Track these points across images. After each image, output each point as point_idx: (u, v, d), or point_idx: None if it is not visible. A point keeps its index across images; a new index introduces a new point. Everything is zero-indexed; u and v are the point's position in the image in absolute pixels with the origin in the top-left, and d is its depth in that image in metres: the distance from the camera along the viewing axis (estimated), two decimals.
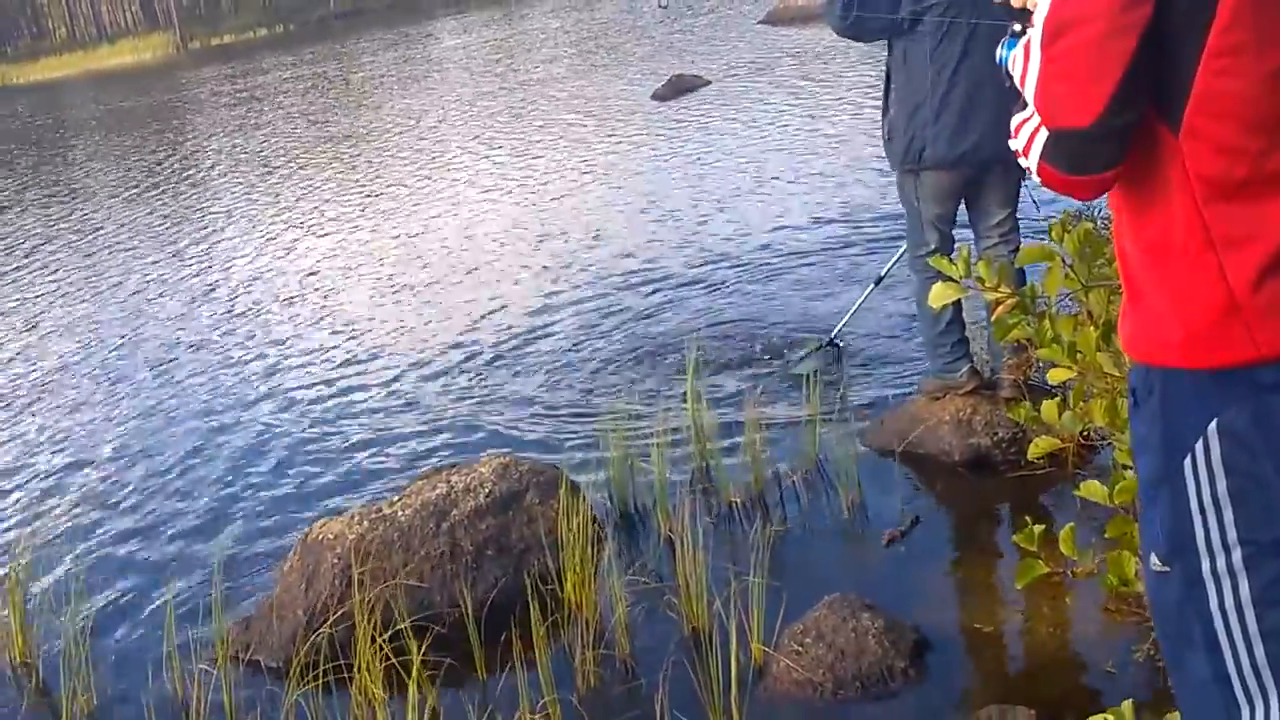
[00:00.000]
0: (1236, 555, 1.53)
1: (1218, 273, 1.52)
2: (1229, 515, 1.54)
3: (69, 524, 5.75)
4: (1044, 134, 1.62)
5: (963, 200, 4.96)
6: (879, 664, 3.66)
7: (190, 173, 16.99)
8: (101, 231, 13.43)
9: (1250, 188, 1.51)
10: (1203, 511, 1.55)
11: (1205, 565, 1.55)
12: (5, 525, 5.87)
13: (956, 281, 2.99)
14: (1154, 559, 1.61)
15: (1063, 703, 3.38)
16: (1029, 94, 1.62)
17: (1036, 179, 1.71)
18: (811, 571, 4.32)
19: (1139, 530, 1.68)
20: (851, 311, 6.16)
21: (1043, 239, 3.29)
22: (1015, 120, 1.70)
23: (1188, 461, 1.55)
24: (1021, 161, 1.71)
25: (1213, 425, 1.54)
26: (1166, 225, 1.57)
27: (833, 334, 6.15)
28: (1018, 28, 1.68)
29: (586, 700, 3.79)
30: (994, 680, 3.65)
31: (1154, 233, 1.59)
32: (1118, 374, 2.87)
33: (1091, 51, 1.53)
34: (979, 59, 4.65)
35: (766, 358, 6.34)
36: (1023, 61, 1.63)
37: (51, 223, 14.65)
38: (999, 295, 3.00)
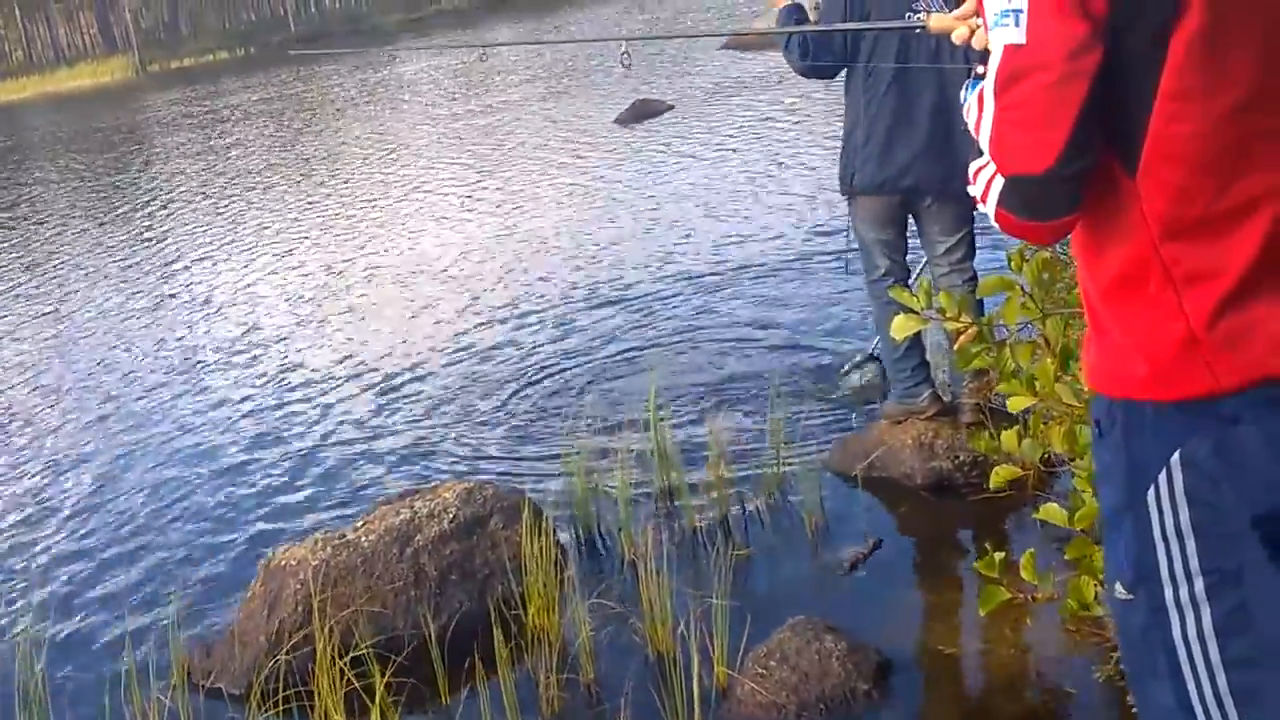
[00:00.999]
0: (1199, 584, 1.55)
1: (1176, 308, 1.54)
2: (1191, 545, 1.56)
3: (23, 550, 5.70)
4: (1000, 181, 1.63)
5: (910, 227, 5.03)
6: (842, 686, 3.67)
7: (151, 194, 16.91)
8: (61, 255, 13.34)
9: (1205, 226, 1.54)
10: (1165, 541, 1.56)
11: (1169, 594, 1.57)
12: None
13: (918, 313, 3.03)
14: (1118, 587, 1.63)
15: None
16: (983, 141, 1.64)
17: (995, 225, 1.73)
18: (775, 595, 4.33)
19: (1104, 558, 1.70)
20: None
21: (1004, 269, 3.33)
22: (973, 167, 1.71)
23: (1151, 492, 1.57)
24: (980, 208, 1.72)
25: (1175, 456, 1.56)
26: (1126, 263, 1.59)
27: (871, 348, 6.14)
28: (980, 69, 1.70)
29: None
30: (956, 702, 3.68)
31: (1114, 270, 1.62)
32: (1076, 403, 2.91)
33: (1043, 98, 1.55)
34: (908, 87, 4.73)
35: (730, 379, 6.36)
36: (976, 109, 1.64)
37: (7, 247, 14.55)
38: (959, 326, 3.04)
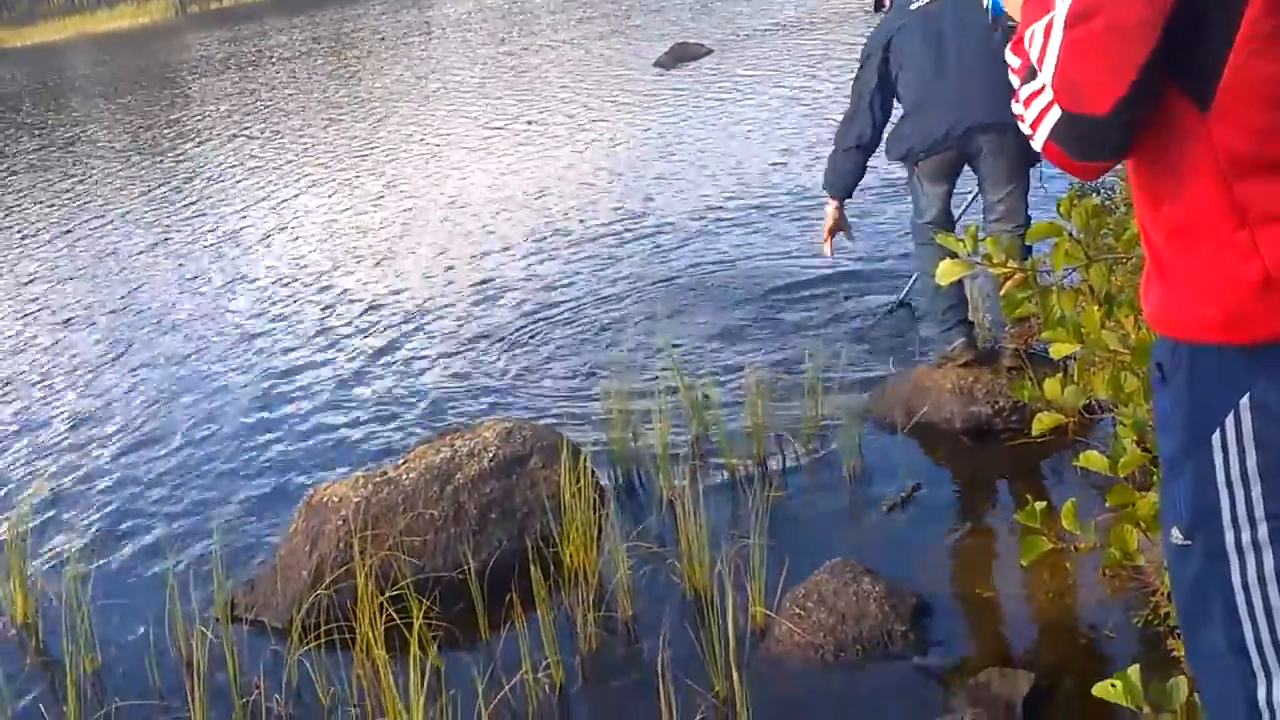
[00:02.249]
0: (1263, 530, 1.54)
1: (1251, 249, 1.51)
2: (1257, 490, 1.54)
3: (69, 486, 5.78)
4: (1055, 113, 1.59)
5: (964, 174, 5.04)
6: (879, 628, 3.69)
7: (190, 135, 16.95)
8: (99, 195, 13.41)
9: None
10: (1230, 486, 1.55)
11: (1230, 538, 1.55)
12: (4, 487, 5.89)
13: (962, 258, 3.00)
14: (1175, 532, 1.62)
15: (1062, 667, 3.42)
16: (1046, 73, 1.59)
17: (1040, 151, 1.69)
18: (812, 537, 4.34)
19: (1160, 503, 1.68)
20: (912, 281, 6.07)
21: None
22: (1025, 90, 1.66)
23: (1216, 436, 1.55)
24: (1025, 130, 1.68)
25: (1244, 400, 1.54)
26: (1195, 203, 1.56)
27: (902, 295, 6.14)
28: (1009, 23, 1.65)
29: (588, 661, 3.83)
30: (993, 644, 3.68)
31: (1181, 211, 1.58)
32: (1121, 349, 2.89)
33: (1117, 38, 1.51)
34: (936, 45, 4.82)
35: (769, 320, 6.36)
36: (1041, 38, 1.59)
37: (48, 185, 14.63)
38: (1005, 271, 3.01)
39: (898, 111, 5.05)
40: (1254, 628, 1.55)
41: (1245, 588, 1.55)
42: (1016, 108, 1.68)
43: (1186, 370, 1.59)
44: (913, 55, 4.86)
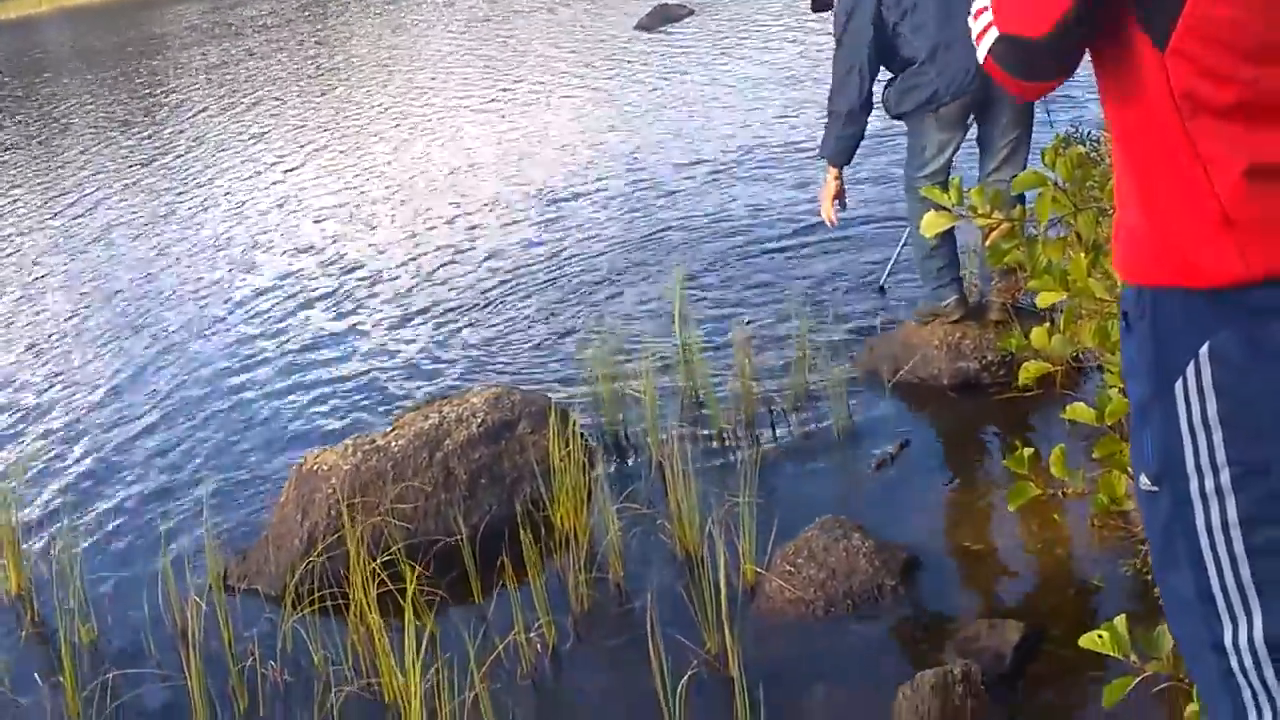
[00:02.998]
0: (1225, 476, 1.54)
1: (1208, 190, 1.51)
2: (1218, 436, 1.55)
3: (60, 457, 5.77)
4: (994, 33, 1.61)
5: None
6: (870, 583, 3.71)
7: (178, 106, 16.85)
8: (88, 167, 13.33)
9: (1240, 110, 1.50)
10: (1193, 433, 1.56)
11: (1194, 485, 1.56)
12: None
13: (949, 210, 3.00)
14: (1144, 479, 1.63)
15: (1052, 617, 3.44)
16: None
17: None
18: (802, 495, 4.36)
19: (1130, 450, 1.69)
20: (894, 259, 5.99)
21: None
22: (976, 4, 1.66)
23: (1179, 384, 1.56)
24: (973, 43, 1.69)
25: (1204, 348, 1.54)
26: (1152, 139, 1.56)
27: (880, 280, 6.03)
28: None
29: (580, 621, 3.85)
30: (983, 597, 3.71)
31: (1140, 147, 1.58)
32: (1108, 298, 2.89)
33: None
34: None
35: (756, 279, 6.35)
36: None
37: (37, 159, 14.55)
38: (990, 221, 3.01)
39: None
40: (1219, 573, 1.56)
41: (1209, 533, 1.56)
42: (970, 22, 1.68)
43: (1150, 318, 1.59)
44: None
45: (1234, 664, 1.54)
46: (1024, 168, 4.82)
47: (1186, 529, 1.57)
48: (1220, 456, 1.54)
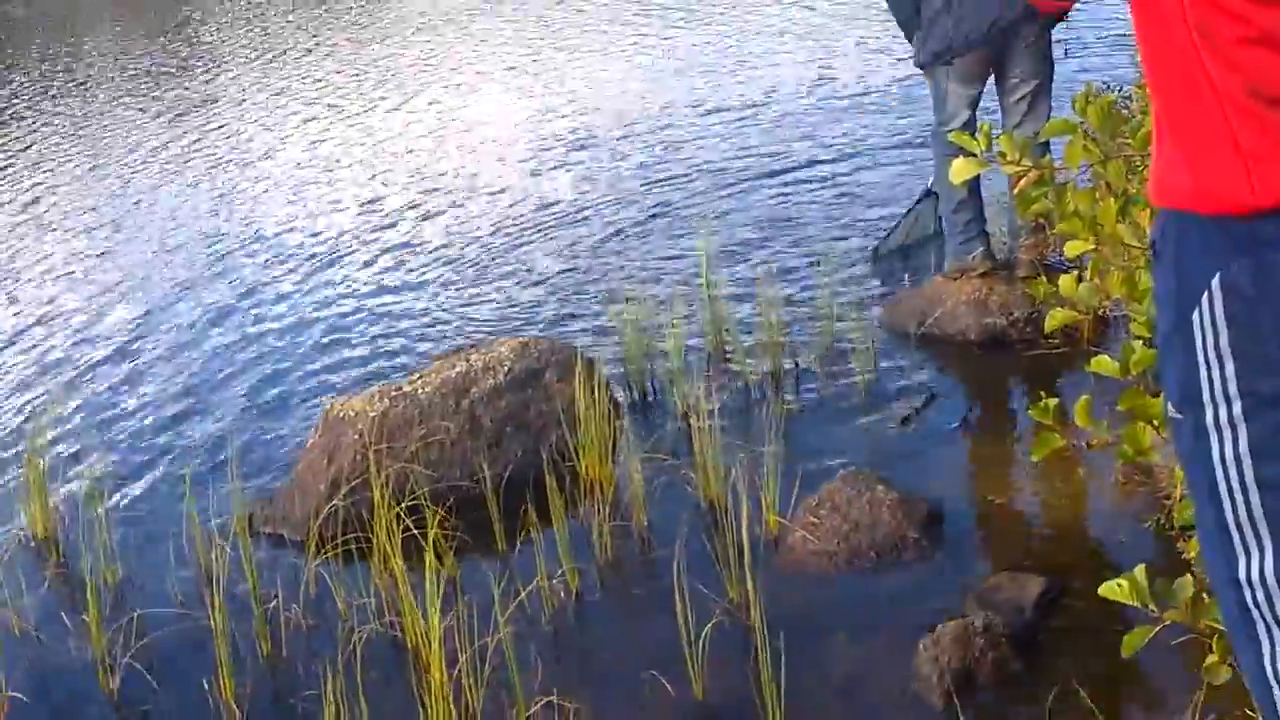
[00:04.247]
0: (1237, 407, 1.55)
1: (1222, 118, 1.51)
2: (1230, 367, 1.55)
3: (87, 399, 5.80)
4: None
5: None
6: (893, 535, 3.71)
7: (193, 59, 16.86)
8: (106, 117, 13.36)
9: (1252, 45, 1.50)
10: (1208, 364, 1.56)
11: (1209, 415, 1.57)
12: (22, 400, 5.92)
13: (977, 157, 2.98)
14: (1170, 407, 1.64)
15: (1073, 571, 3.43)
16: None
17: None
18: (826, 448, 4.36)
19: (1161, 380, 1.70)
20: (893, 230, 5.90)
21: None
22: None
23: (1195, 314, 1.56)
24: None
25: (1216, 279, 1.54)
26: (1175, 68, 1.56)
27: (879, 246, 5.90)
28: None
29: (604, 570, 3.86)
30: (1006, 550, 3.70)
31: (1165, 75, 1.59)
32: (1137, 245, 2.87)
33: None
34: None
35: (783, 231, 6.33)
36: None
37: (64, 113, 14.59)
38: (1019, 169, 2.99)
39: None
40: (1232, 505, 1.56)
41: (1224, 464, 1.56)
42: None
43: (1174, 247, 1.60)
44: None
45: (1248, 597, 1.55)
46: (1046, 120, 4.79)
47: (1204, 459, 1.58)
48: (1233, 388, 1.55)
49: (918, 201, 5.82)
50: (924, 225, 5.76)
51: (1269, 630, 1.54)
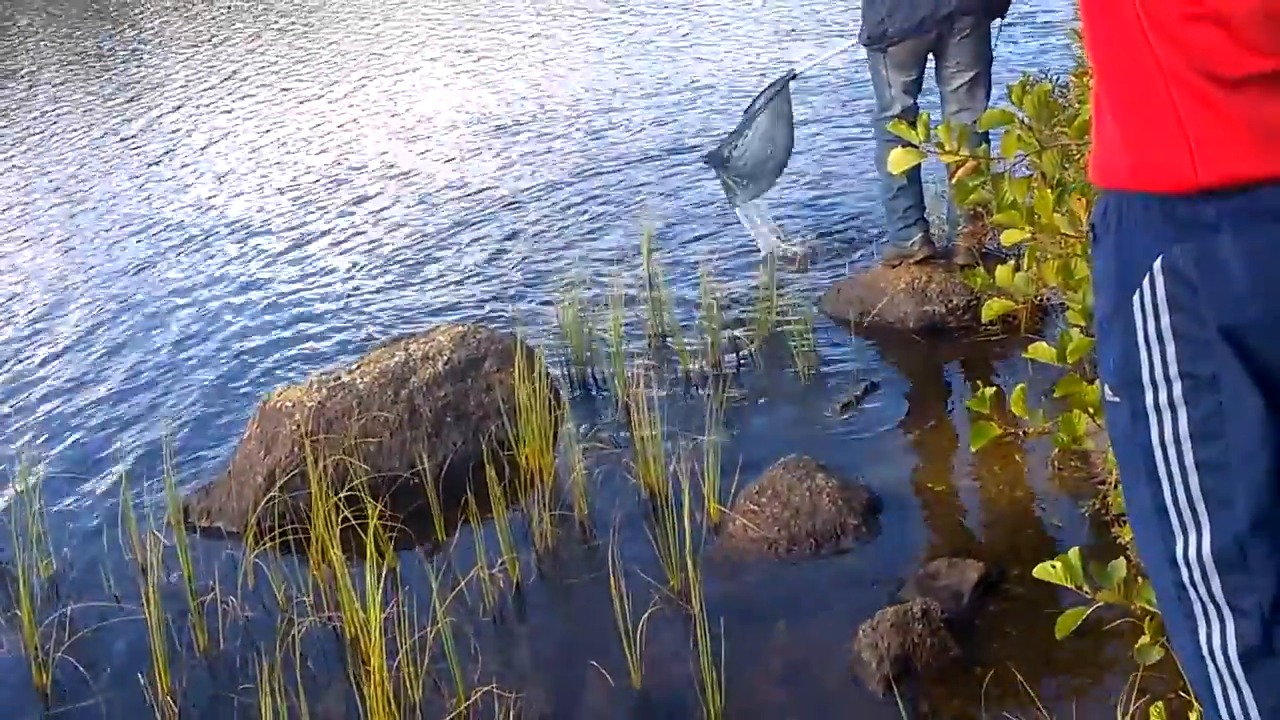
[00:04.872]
0: (1177, 389, 1.56)
1: (1166, 96, 1.52)
2: (1171, 350, 1.56)
3: (18, 390, 5.70)
4: None
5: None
6: (833, 522, 3.73)
7: (133, 48, 16.62)
8: (41, 109, 13.15)
9: (1196, 23, 1.50)
10: (1148, 345, 1.57)
11: (1149, 397, 1.58)
12: None
13: (916, 146, 2.99)
14: (1107, 390, 1.65)
15: (1011, 556, 3.47)
16: None
17: None
18: (767, 436, 4.37)
19: (1098, 362, 1.71)
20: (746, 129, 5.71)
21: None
22: None
23: (1136, 296, 1.57)
24: None
25: (1158, 262, 1.55)
26: (1119, 45, 1.57)
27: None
28: None
29: (544, 559, 3.85)
30: (944, 536, 3.73)
31: (1110, 53, 1.59)
32: (1072, 234, 2.89)
33: None
34: None
35: (724, 221, 6.33)
36: None
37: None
38: (957, 158, 3.00)
39: None
40: (1171, 486, 1.58)
41: (1163, 445, 1.58)
42: None
43: (1115, 229, 1.61)
44: None
45: (1185, 577, 1.56)
46: (984, 108, 4.83)
47: (1144, 441, 1.59)
48: (1173, 369, 1.56)
49: (768, 99, 5.64)
50: (763, 154, 5.62)
51: (1204, 610, 1.56)
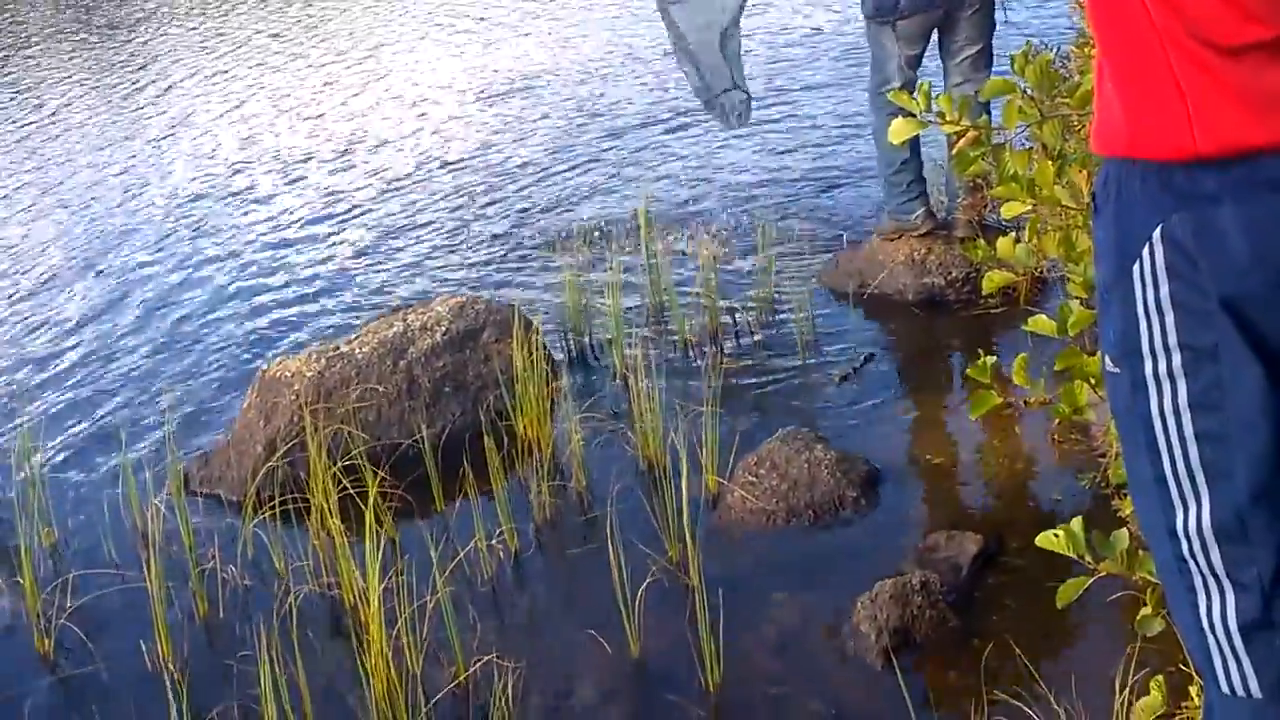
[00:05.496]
0: (1176, 359, 1.56)
1: (1166, 64, 1.52)
2: (1170, 320, 1.56)
3: (18, 360, 5.70)
4: None
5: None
6: (831, 494, 3.73)
7: (141, 18, 16.55)
8: (51, 78, 13.10)
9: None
10: (1148, 315, 1.57)
11: (1148, 367, 1.58)
12: None
13: (916, 117, 2.98)
14: (1108, 360, 1.65)
15: (1010, 529, 3.47)
16: None
17: None
18: (765, 407, 4.37)
19: (1099, 333, 1.71)
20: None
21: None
22: None
23: (1135, 266, 1.57)
24: None
25: (1157, 231, 1.55)
26: (1120, 13, 1.56)
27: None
28: None
29: (543, 530, 3.86)
30: (943, 509, 3.74)
31: (1109, 20, 1.58)
32: (1073, 206, 2.89)
33: None
34: None
35: (722, 192, 6.32)
36: None
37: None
38: (958, 129, 2.99)
39: None
40: (1170, 457, 1.58)
41: (1162, 416, 1.58)
42: None
43: (1115, 199, 1.61)
44: None
45: (1185, 549, 1.56)
46: (986, 80, 4.80)
47: (1144, 411, 1.59)
48: (1172, 339, 1.56)
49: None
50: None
51: (1205, 581, 1.56)
